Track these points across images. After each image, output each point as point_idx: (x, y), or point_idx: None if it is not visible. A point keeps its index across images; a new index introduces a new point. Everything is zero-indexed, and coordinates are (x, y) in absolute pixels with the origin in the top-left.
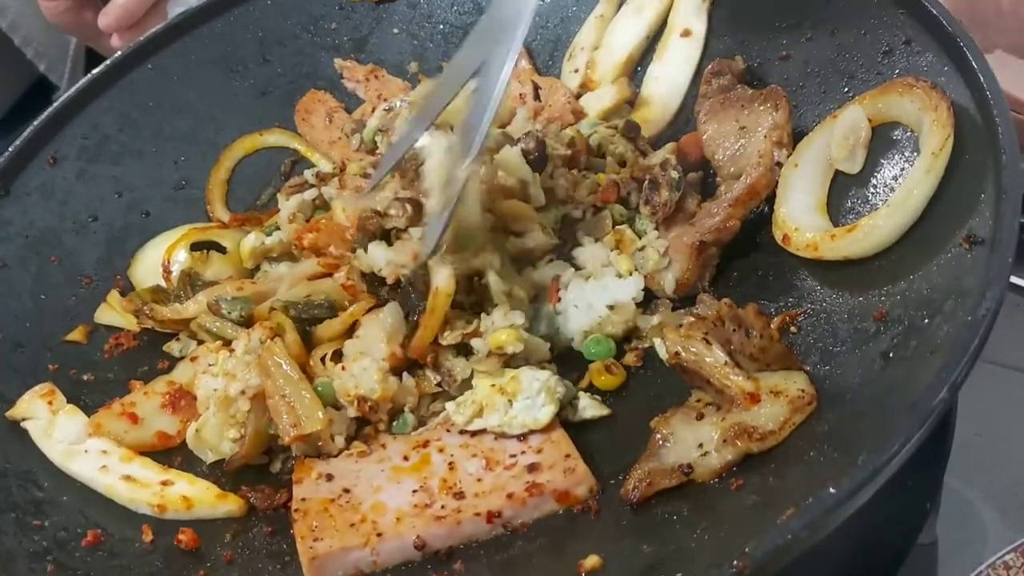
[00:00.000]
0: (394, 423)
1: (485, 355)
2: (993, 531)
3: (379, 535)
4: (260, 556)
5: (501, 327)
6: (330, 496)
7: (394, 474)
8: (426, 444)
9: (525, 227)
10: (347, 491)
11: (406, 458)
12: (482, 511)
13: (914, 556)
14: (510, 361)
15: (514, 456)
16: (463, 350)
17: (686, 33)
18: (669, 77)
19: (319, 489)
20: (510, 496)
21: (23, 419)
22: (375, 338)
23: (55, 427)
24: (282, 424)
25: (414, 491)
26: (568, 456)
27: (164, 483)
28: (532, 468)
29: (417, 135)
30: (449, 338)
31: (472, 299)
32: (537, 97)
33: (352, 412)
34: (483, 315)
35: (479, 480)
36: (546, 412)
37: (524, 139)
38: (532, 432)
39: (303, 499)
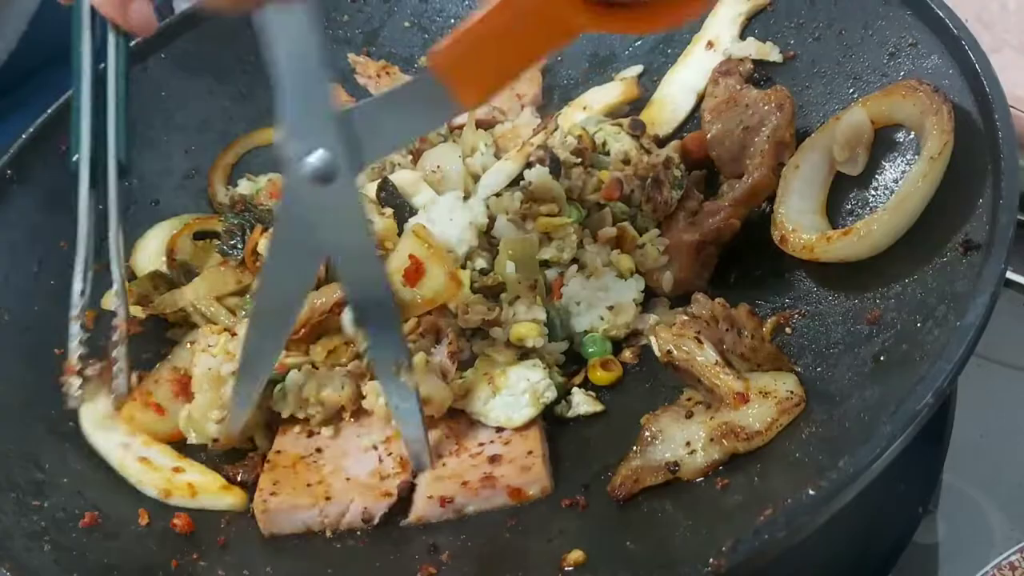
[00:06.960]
0: None
1: (503, 344)
2: (999, 531)
3: (327, 499)
4: (253, 541)
5: (524, 320)
6: (303, 453)
7: (366, 444)
8: None
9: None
10: (319, 451)
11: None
12: (435, 495)
13: (917, 556)
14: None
15: (482, 444)
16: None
17: (710, 45)
18: (685, 83)
19: (297, 443)
20: (464, 484)
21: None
22: None
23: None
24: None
25: (378, 461)
26: (530, 453)
27: (176, 470)
28: (493, 459)
29: None
30: (470, 320)
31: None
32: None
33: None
34: (505, 305)
35: (443, 464)
36: (523, 415)
37: (536, 154)
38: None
39: (278, 451)
